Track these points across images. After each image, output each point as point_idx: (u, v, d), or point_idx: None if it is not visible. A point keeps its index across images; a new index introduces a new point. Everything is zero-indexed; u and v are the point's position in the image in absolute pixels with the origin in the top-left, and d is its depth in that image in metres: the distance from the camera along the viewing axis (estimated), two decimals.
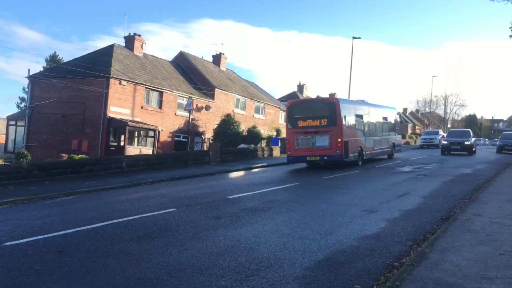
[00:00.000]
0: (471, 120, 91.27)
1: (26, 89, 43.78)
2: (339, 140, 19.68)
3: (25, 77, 31.29)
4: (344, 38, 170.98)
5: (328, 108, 20.37)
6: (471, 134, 33.59)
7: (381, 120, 26.16)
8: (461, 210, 9.88)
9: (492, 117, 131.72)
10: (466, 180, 15.94)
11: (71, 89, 28.64)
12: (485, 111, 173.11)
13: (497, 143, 37.82)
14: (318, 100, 26.50)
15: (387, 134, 26.61)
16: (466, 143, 31.08)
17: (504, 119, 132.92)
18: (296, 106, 21.93)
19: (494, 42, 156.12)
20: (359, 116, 22.76)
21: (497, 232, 7.78)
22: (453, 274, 5.50)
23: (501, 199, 11.36)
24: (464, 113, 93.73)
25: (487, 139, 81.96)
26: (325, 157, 19.89)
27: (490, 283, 5.20)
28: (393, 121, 28.21)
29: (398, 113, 31.57)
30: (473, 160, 26.14)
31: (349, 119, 21.29)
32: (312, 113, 20.67)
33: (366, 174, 18.03)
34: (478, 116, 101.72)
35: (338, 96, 67.75)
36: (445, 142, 31.73)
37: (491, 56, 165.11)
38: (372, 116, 24.68)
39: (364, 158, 22.57)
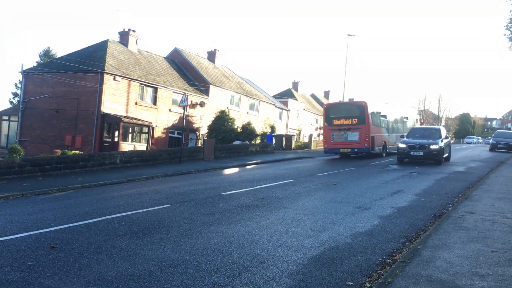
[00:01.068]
0: (464, 119, 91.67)
1: (19, 85, 43.54)
2: (367, 135, 23.79)
3: (19, 71, 31.10)
4: (340, 35, 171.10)
5: (358, 110, 24.45)
6: (442, 134, 22.10)
7: (402, 119, 30.11)
8: (454, 208, 9.94)
9: (486, 116, 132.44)
10: (459, 178, 16.03)
11: (65, 84, 28.51)
12: (479, 110, 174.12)
13: (490, 141, 38.03)
14: (350, 103, 30.09)
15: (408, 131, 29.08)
16: (433, 147, 20.58)
17: (497, 118, 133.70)
18: (332, 108, 26.41)
19: (488, 42, 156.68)
20: (384, 116, 26.63)
21: (489, 229, 7.84)
22: (445, 271, 5.54)
23: (493, 197, 11.44)
24: (457, 111, 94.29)
25: (480, 138, 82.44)
26: (355, 149, 24.55)
27: (481, 280, 5.24)
28: (413, 120, 32.41)
29: (418, 113, 37.68)
30: (466, 158, 26.27)
31: (375, 119, 25.09)
32: (345, 114, 24.93)
33: (360, 172, 18.08)
34: (472, 115, 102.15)
35: (332, 92, 67.96)
36: (402, 146, 21.23)
37: (485, 54, 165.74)
38: (395, 116, 28.73)
39: (388, 151, 26.47)
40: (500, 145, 35.15)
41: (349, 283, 5.42)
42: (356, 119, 24.16)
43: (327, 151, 25.64)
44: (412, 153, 20.64)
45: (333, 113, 25.35)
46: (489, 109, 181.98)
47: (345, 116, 24.69)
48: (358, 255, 6.56)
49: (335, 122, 24.78)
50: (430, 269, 5.62)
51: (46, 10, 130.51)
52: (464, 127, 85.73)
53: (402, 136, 23.07)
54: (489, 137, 55.25)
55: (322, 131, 30.05)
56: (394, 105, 31.74)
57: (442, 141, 20.92)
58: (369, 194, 12.24)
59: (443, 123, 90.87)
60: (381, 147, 25.57)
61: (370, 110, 24.36)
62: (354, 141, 24.10)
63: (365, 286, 5.27)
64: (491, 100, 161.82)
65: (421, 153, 20.48)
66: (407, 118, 31.12)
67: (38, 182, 14.36)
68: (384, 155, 25.91)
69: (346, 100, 47.12)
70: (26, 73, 30.78)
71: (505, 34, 22.17)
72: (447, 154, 22.18)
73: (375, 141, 24.48)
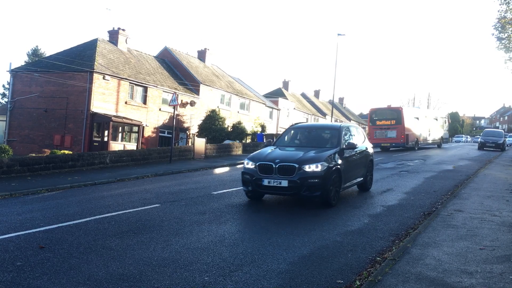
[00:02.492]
0: (453, 118, 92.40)
1: (7, 85, 43.10)
2: (403, 133, 30.04)
3: (7, 71, 30.81)
4: (330, 35, 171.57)
5: (396, 113, 30.86)
6: (349, 137, 11.81)
7: (432, 120, 36.41)
8: (443, 206, 10.02)
9: (474, 115, 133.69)
10: (448, 176, 16.16)
11: (54, 83, 28.28)
12: (468, 109, 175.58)
13: (479, 140, 38.37)
14: (390, 108, 35.42)
15: (437, 130, 36.70)
16: (308, 169, 9.62)
17: (486, 117, 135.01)
18: (375, 112, 32.82)
19: (476, 40, 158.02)
20: (416, 118, 32.77)
21: (477, 227, 7.91)
22: (434, 269, 5.58)
23: (481, 195, 11.55)
24: (447, 110, 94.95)
25: (468, 136, 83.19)
26: (393, 144, 30.83)
27: (470, 277, 5.29)
28: (442, 121, 38.86)
29: (447, 115, 42.75)
30: (455, 156, 26.48)
31: (409, 120, 31.09)
32: (385, 116, 31.37)
33: None
34: (461, 114, 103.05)
35: (322, 92, 68.30)
36: (248, 167, 10.44)
37: (474, 54, 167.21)
38: (425, 118, 34.91)
39: (419, 146, 32.92)
40: (488, 143, 35.51)
41: (339, 281, 5.45)
42: (394, 121, 30.43)
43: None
44: (264, 183, 9.80)
45: (376, 115, 32.12)
46: (478, 108, 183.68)
47: (385, 118, 31.16)
48: (348, 253, 6.59)
49: (377, 122, 31.49)
50: (420, 266, 5.66)
51: (35, 8, 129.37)
52: (453, 126, 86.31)
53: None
54: (478, 136, 55.87)
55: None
56: (424, 109, 42.31)
57: (337, 154, 10.34)
58: (359, 192, 12.29)
59: None
60: (413, 142, 31.58)
61: (405, 113, 30.67)
62: (393, 138, 30.41)
63: (355, 284, 5.29)
64: (479, 99, 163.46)
65: (281, 184, 9.62)
66: (436, 119, 37.54)
67: (27, 182, 14.24)
68: (416, 148, 31.95)
69: (338, 98, 47.83)
70: (14, 72, 30.50)
71: (493, 34, 22.35)
72: (360, 179, 11.83)
73: (409, 137, 30.49)
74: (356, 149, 11.31)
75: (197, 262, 6.07)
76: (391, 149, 31.44)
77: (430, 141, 35.16)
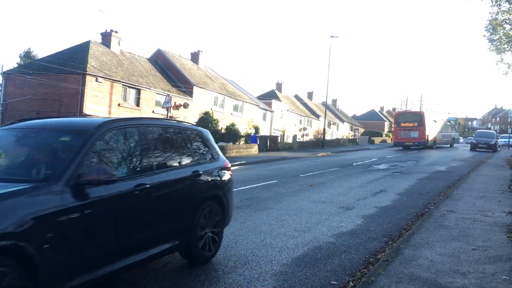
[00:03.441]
0: None
1: None
2: (424, 134, 34.70)
3: None
4: (323, 37, 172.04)
5: (418, 116, 36.28)
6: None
7: (446, 123, 41.46)
8: (436, 207, 10.07)
9: (466, 116, 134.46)
10: (441, 177, 16.24)
11: (46, 86, 28.15)
12: (460, 110, 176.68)
13: (471, 141, 38.61)
14: (413, 112, 41.18)
15: (450, 132, 41.85)
16: None
17: (478, 118, 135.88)
18: (400, 115, 39.02)
19: (468, 42, 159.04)
20: (434, 121, 37.86)
21: (470, 228, 7.95)
22: (427, 269, 5.60)
23: (474, 196, 11.61)
24: (439, 111, 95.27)
25: (461, 137, 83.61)
26: (416, 143, 35.23)
27: (463, 277, 5.31)
28: (454, 124, 44.33)
29: (457, 119, 49.16)
30: (447, 157, 26.62)
31: (429, 122, 35.97)
32: (409, 119, 36.41)
33: (344, 172, 18.20)
34: (453, 115, 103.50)
35: (315, 93, 68.60)
36: None
37: (466, 55, 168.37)
38: (441, 120, 40.11)
39: (437, 145, 37.49)
40: (480, 144, 35.74)
41: (333, 282, 5.45)
42: (416, 123, 35.22)
43: (395, 144, 37.91)
44: None
45: (400, 118, 37.61)
46: (470, 109, 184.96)
47: (409, 120, 36.02)
48: (342, 254, 6.61)
49: (402, 124, 36.35)
50: (413, 267, 5.68)
51: (27, 11, 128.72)
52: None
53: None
54: (470, 137, 56.24)
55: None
56: (440, 113, 48.42)
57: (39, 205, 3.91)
58: (353, 194, 12.33)
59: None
60: (432, 142, 36.41)
61: (426, 117, 35.88)
62: (415, 137, 35.01)
63: (348, 285, 5.30)
64: (471, 101, 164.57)
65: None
66: (449, 121, 42.76)
67: None
68: (434, 147, 36.65)
69: (331, 99, 48.37)
70: (6, 75, 30.33)
71: (484, 36, 22.50)
72: (159, 247, 5.34)
73: (429, 137, 35.25)
74: (130, 183, 4.84)
75: None
76: (411, 147, 35.81)
77: (444, 141, 39.68)
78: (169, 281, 5.37)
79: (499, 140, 44.30)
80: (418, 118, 35.64)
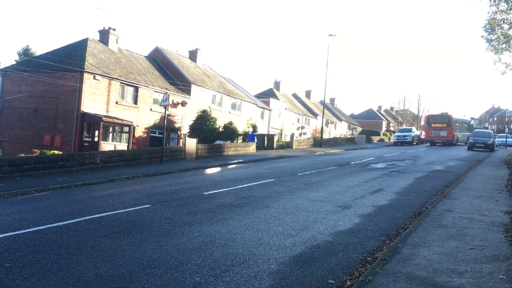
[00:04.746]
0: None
1: None
2: (451, 133, 40.50)
3: None
4: (321, 35, 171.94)
5: (447, 118, 42.20)
6: None
7: (464, 125, 49.39)
8: (433, 206, 10.08)
9: (464, 115, 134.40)
10: (438, 177, 16.26)
11: (44, 83, 28.04)
12: (457, 110, 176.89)
13: (468, 140, 38.70)
14: (442, 115, 48.00)
15: (465, 132, 48.16)
16: None
17: (476, 117, 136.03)
18: (431, 117, 44.20)
19: (466, 43, 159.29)
20: (458, 122, 45.79)
21: (467, 227, 7.96)
22: (424, 268, 5.61)
23: (471, 195, 11.63)
24: (437, 111, 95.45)
25: None
26: (444, 141, 40.97)
27: (460, 277, 5.32)
28: (468, 126, 53.53)
29: (470, 121, 57.51)
30: (445, 157, 26.65)
31: (454, 124, 42.16)
32: (439, 120, 42.33)
33: (341, 171, 18.20)
34: (451, 114, 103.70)
35: (313, 92, 68.76)
36: None
37: (463, 55, 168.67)
38: (461, 123, 47.95)
39: (457, 143, 42.96)
40: (477, 144, 35.75)
41: (330, 281, 5.45)
42: (445, 124, 41.09)
43: (426, 141, 43.42)
44: None
45: (431, 119, 43.05)
46: (467, 109, 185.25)
47: (439, 122, 41.93)
48: (339, 253, 6.61)
49: (432, 125, 41.92)
50: (410, 266, 5.69)
51: (25, 8, 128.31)
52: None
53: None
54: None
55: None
56: (461, 117, 59.96)
57: None
58: (350, 193, 12.34)
59: (422, 123, 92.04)
60: (456, 140, 42.32)
61: (453, 119, 42.04)
62: (444, 136, 40.79)
63: (346, 284, 5.30)
64: (469, 100, 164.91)
65: None
66: (466, 123, 51.79)
67: (16, 183, 14.11)
68: (456, 144, 42.24)
69: (327, 97, 48.39)
70: (4, 72, 30.20)
71: (482, 36, 22.48)
72: None
73: (454, 137, 41.17)
74: None
75: (188, 262, 6.04)
76: (436, 144, 41.98)
77: (462, 140, 45.10)
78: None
79: (496, 139, 44.39)
80: (447, 120, 41.87)
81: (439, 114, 49.28)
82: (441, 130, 41.34)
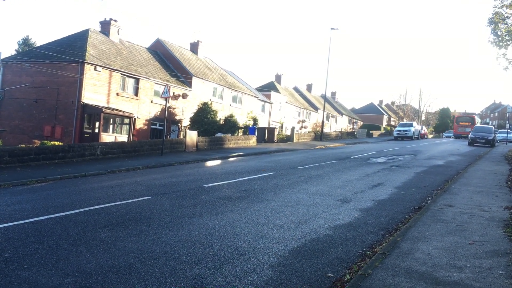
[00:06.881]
0: (444, 113, 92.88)
1: None
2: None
3: None
4: (323, 29, 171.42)
5: (471, 118, 53.24)
6: None
7: (481, 123, 63.18)
8: (433, 201, 10.08)
9: (465, 111, 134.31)
10: (438, 172, 16.25)
11: (44, 74, 27.98)
12: (459, 105, 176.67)
13: (469, 136, 38.60)
14: (467, 115, 57.81)
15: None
16: None
17: (476, 113, 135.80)
18: (459, 117, 55.34)
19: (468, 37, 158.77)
20: (478, 122, 55.98)
21: (466, 222, 7.96)
22: (424, 263, 5.61)
23: (471, 190, 11.62)
24: (438, 106, 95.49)
25: None
26: (468, 136, 43.22)
27: (459, 272, 5.32)
28: (485, 124, 64.63)
29: (487, 120, 76.08)
30: (445, 152, 26.63)
31: (477, 123, 53.03)
32: (465, 120, 53.36)
33: (342, 165, 18.20)
34: (452, 109, 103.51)
35: (314, 86, 68.72)
36: None
37: (465, 50, 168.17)
38: (480, 121, 60.31)
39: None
40: (478, 139, 35.71)
41: (330, 274, 5.46)
42: (470, 122, 50.64)
43: (455, 135, 52.86)
44: None
45: (459, 119, 54.65)
46: (469, 104, 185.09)
47: (465, 120, 53.08)
48: (339, 247, 6.61)
49: (460, 123, 52.66)
50: (409, 261, 5.69)
51: None
52: (444, 122, 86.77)
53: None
54: None
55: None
56: (462, 111, 79.87)
57: None
58: (350, 187, 12.33)
59: (423, 117, 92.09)
60: None
61: (476, 119, 52.93)
62: (469, 132, 43.30)
63: (345, 278, 5.31)
64: (470, 95, 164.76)
65: None
66: (485, 123, 62.32)
67: (17, 173, 14.12)
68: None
69: (329, 92, 48.86)
70: (5, 62, 30.13)
71: (488, 25, 22.21)
72: None
73: None
74: None
75: (187, 254, 6.05)
76: (462, 138, 49.03)
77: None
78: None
79: (497, 135, 44.37)
80: (471, 119, 52.74)
81: (466, 115, 62.17)
82: (467, 127, 50.15)
